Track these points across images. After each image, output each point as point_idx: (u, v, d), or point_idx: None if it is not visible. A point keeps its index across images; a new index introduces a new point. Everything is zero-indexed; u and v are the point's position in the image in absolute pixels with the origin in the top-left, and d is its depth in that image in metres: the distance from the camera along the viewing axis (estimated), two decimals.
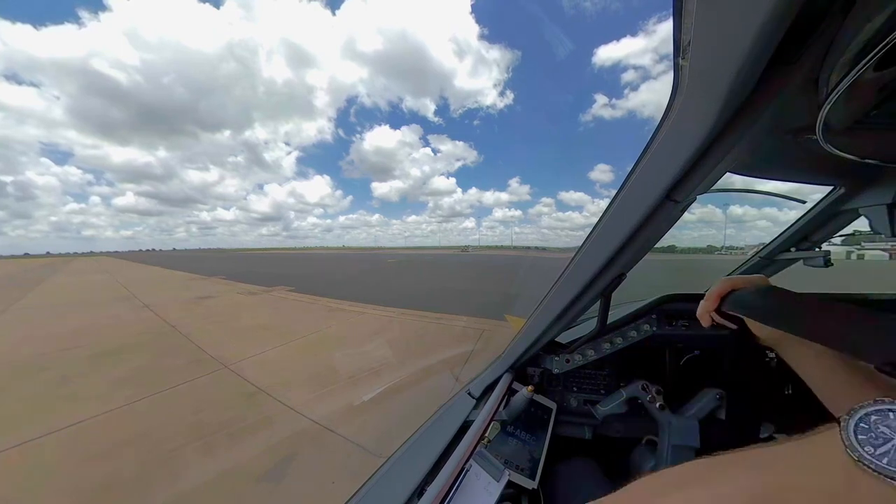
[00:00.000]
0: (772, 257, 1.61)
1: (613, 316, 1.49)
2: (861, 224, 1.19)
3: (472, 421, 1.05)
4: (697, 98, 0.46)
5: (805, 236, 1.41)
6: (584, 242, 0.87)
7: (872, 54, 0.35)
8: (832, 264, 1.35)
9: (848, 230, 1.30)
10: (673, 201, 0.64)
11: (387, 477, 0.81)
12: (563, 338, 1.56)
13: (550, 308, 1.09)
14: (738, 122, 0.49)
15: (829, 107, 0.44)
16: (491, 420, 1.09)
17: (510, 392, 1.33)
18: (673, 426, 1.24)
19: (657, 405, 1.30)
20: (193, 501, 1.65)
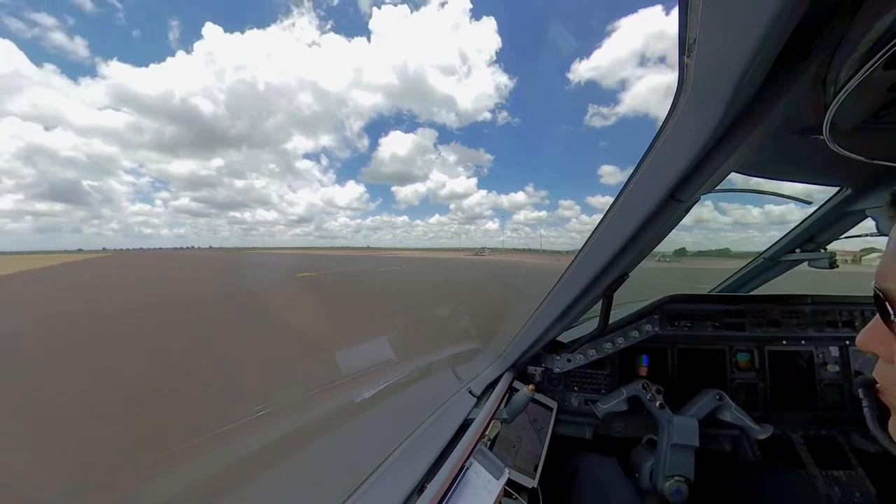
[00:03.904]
0: (776, 258, 1.60)
1: (615, 316, 1.49)
2: (868, 226, 1.18)
3: (473, 419, 1.05)
4: (702, 97, 0.45)
5: (810, 237, 1.40)
6: (586, 242, 0.86)
7: (882, 53, 0.35)
8: (837, 266, 1.34)
9: (854, 232, 1.29)
10: (677, 201, 0.63)
11: (387, 474, 0.81)
12: (565, 337, 1.56)
13: (552, 307, 1.08)
14: (744, 121, 0.48)
15: (836, 106, 0.43)
16: (491, 419, 1.09)
17: (511, 391, 1.33)
18: (673, 425, 1.24)
19: (657, 404, 1.29)
20: None
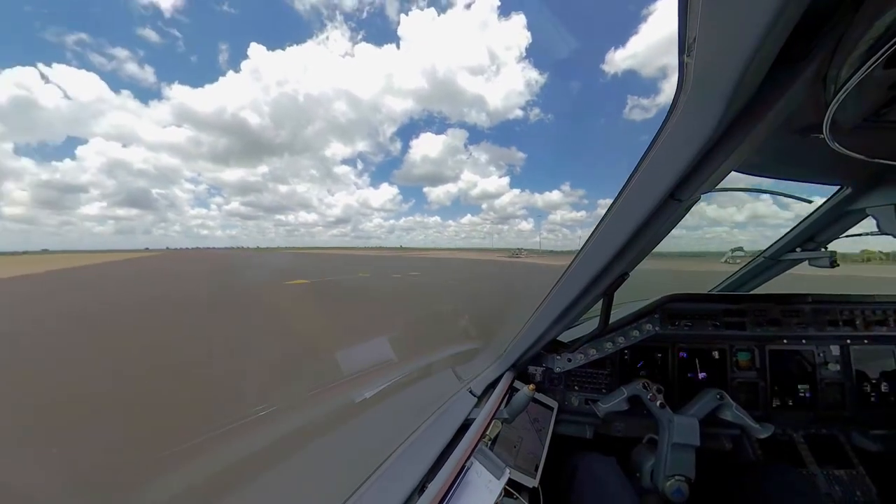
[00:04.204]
0: (777, 258, 1.60)
1: (615, 315, 1.49)
2: (868, 224, 1.18)
3: (474, 419, 1.05)
4: (702, 96, 0.45)
5: (811, 236, 1.40)
6: (586, 242, 0.86)
7: (882, 51, 0.35)
8: (838, 265, 1.33)
9: (855, 230, 1.29)
10: (677, 200, 0.63)
11: (388, 474, 0.81)
12: (565, 337, 1.55)
13: (553, 307, 1.08)
14: (744, 120, 0.48)
15: (836, 105, 0.43)
16: (492, 418, 1.09)
17: (511, 391, 1.33)
18: (673, 425, 1.24)
19: (658, 403, 1.29)
20: None
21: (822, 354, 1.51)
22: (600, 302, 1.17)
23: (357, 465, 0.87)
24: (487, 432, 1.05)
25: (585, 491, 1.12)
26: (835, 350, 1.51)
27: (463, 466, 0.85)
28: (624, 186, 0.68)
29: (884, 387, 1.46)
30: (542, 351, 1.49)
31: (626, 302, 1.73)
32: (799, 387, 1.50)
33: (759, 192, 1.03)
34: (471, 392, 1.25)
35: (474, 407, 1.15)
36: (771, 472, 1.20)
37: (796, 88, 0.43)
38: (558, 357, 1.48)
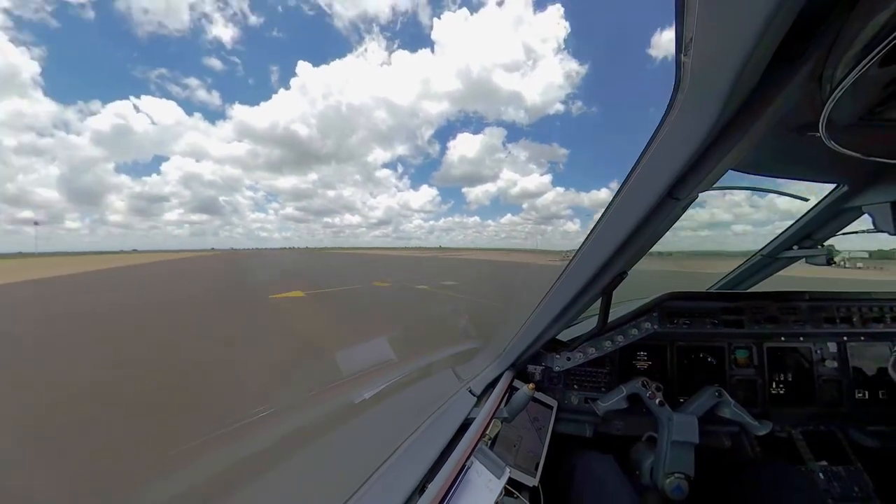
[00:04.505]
0: (774, 255, 1.60)
1: (615, 314, 1.49)
2: (864, 222, 1.19)
3: (473, 419, 1.05)
4: (700, 95, 0.45)
5: (808, 234, 1.41)
6: (585, 240, 0.86)
7: (878, 50, 0.35)
8: (835, 262, 1.34)
9: (851, 228, 1.29)
10: (675, 199, 0.64)
11: (388, 474, 0.81)
12: (564, 335, 1.56)
13: (551, 306, 1.08)
14: (741, 119, 0.48)
15: (833, 103, 0.43)
16: (492, 418, 1.09)
17: (511, 390, 1.33)
18: (673, 423, 1.24)
19: (657, 401, 1.30)
20: None
21: (819, 351, 1.51)
22: (599, 300, 1.17)
23: (357, 466, 0.87)
24: (487, 432, 1.05)
25: (585, 489, 1.12)
26: (832, 347, 1.51)
27: (463, 466, 0.85)
28: (622, 185, 0.68)
29: (881, 383, 1.47)
30: (542, 350, 1.49)
31: (625, 301, 1.73)
32: (797, 384, 1.50)
33: (756, 190, 1.04)
34: (470, 392, 1.25)
35: (474, 406, 1.16)
36: (769, 469, 1.20)
37: (793, 87, 0.44)
38: (557, 356, 1.49)
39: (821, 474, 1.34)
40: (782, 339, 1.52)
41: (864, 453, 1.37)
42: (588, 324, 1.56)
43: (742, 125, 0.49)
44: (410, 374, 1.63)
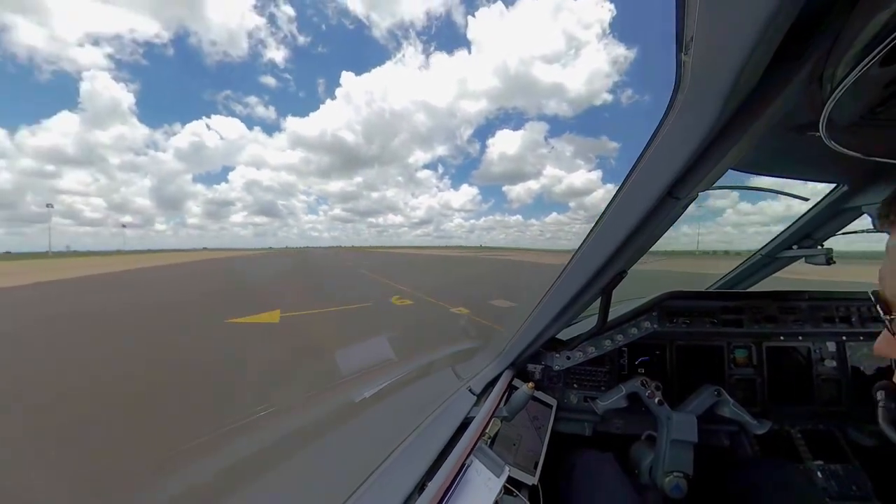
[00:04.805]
0: (773, 255, 1.60)
1: (614, 313, 1.49)
2: (864, 222, 1.19)
3: (473, 418, 1.05)
4: (699, 94, 0.46)
5: (807, 234, 1.41)
6: (585, 239, 0.86)
7: (878, 50, 0.35)
8: (834, 262, 1.34)
9: (851, 228, 1.29)
10: (674, 198, 0.64)
11: (387, 473, 0.81)
12: (564, 335, 1.56)
13: (551, 305, 1.09)
14: (741, 118, 0.48)
15: (833, 103, 0.43)
16: (491, 417, 1.09)
17: (511, 389, 1.33)
18: (672, 422, 1.24)
19: (656, 401, 1.30)
20: None
21: (818, 351, 1.52)
22: (599, 299, 1.17)
23: (357, 465, 0.87)
24: (487, 430, 1.05)
25: (585, 488, 1.12)
26: (831, 346, 1.52)
27: (463, 465, 0.86)
28: (622, 184, 0.68)
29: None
30: (541, 349, 1.49)
31: (624, 300, 1.74)
32: (795, 383, 1.51)
33: (756, 189, 1.04)
34: (470, 391, 1.25)
35: (473, 405, 1.16)
36: (768, 468, 1.20)
37: (793, 87, 0.44)
38: (557, 355, 1.49)
39: (819, 473, 1.34)
40: (781, 338, 1.53)
41: (863, 452, 1.38)
42: (588, 323, 1.56)
43: (742, 124, 0.49)
44: (410, 373, 1.63)
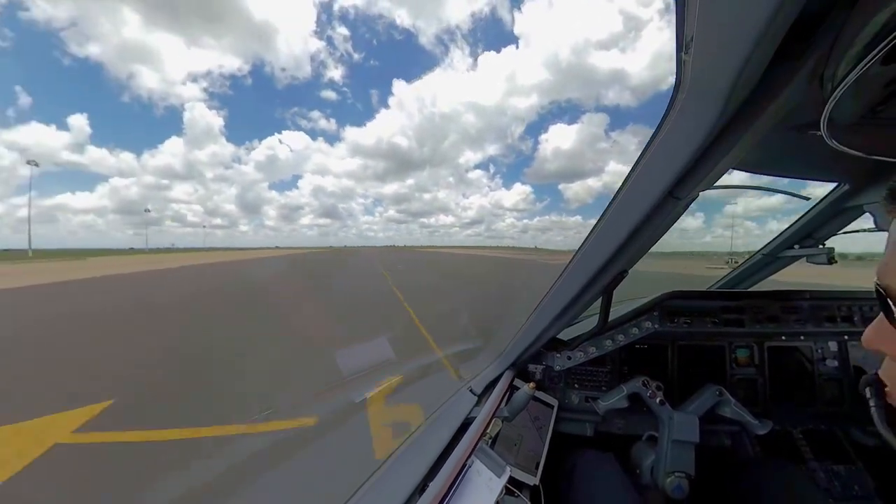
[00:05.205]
0: (774, 255, 1.60)
1: (615, 313, 1.49)
2: (866, 221, 1.18)
3: (474, 418, 1.05)
4: (700, 94, 0.45)
5: (809, 233, 1.40)
6: (585, 239, 0.86)
7: (879, 48, 0.35)
8: (836, 261, 1.34)
9: (852, 227, 1.29)
10: (675, 198, 0.64)
11: (389, 474, 0.81)
12: (565, 335, 1.56)
13: (552, 305, 1.09)
14: (742, 118, 0.48)
15: (834, 102, 0.43)
16: (492, 417, 1.09)
17: (511, 389, 1.33)
18: (673, 422, 1.24)
19: (657, 401, 1.30)
20: None
21: (820, 351, 1.51)
22: (600, 299, 1.17)
23: (358, 465, 0.87)
24: (488, 431, 1.05)
25: (586, 488, 1.12)
26: (833, 346, 1.51)
27: (464, 465, 0.86)
28: (623, 184, 0.68)
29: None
30: (542, 349, 1.49)
31: (625, 300, 1.74)
32: (797, 383, 1.50)
33: (757, 189, 1.04)
34: (471, 391, 1.25)
35: (475, 406, 1.16)
36: (770, 468, 1.20)
37: (793, 86, 0.44)
38: (558, 355, 1.49)
39: (821, 473, 1.34)
40: (783, 338, 1.52)
41: (865, 452, 1.37)
42: (588, 323, 1.56)
43: (743, 124, 0.49)
44: (410, 373, 1.63)
